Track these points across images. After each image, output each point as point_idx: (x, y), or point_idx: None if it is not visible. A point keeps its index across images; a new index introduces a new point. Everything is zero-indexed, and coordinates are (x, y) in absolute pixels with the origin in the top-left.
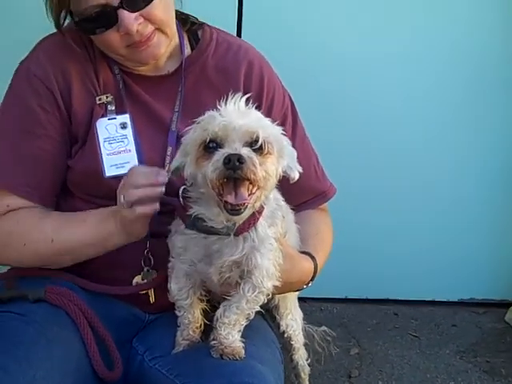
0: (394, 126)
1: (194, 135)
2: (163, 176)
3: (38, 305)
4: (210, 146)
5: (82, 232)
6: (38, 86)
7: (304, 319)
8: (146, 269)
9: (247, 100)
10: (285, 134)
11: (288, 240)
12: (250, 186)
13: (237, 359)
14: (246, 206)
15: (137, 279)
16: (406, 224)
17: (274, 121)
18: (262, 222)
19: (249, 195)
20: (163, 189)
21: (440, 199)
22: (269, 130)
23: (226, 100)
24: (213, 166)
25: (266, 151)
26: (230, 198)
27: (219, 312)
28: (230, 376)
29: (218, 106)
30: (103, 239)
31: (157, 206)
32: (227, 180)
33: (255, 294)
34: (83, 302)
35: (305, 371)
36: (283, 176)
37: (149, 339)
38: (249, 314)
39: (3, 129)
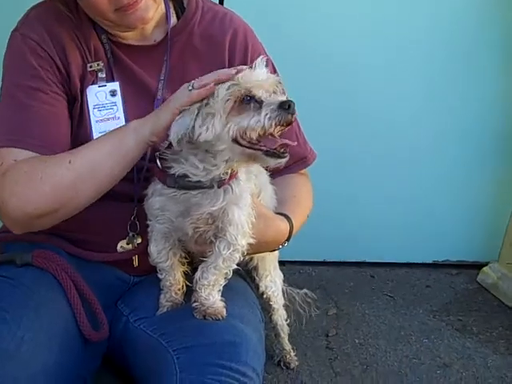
0: (380, 93)
1: (220, 95)
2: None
3: (26, 268)
4: (246, 100)
5: (98, 145)
6: (36, 48)
7: (283, 282)
8: (131, 234)
9: None
10: None
11: (262, 200)
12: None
13: (219, 319)
14: None
15: (121, 244)
16: (382, 189)
17: None
18: (242, 175)
19: None
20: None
21: (414, 163)
22: None
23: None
24: (269, 114)
25: None
26: (290, 142)
27: (198, 274)
28: (213, 335)
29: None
30: (120, 145)
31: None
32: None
33: (230, 251)
34: (70, 266)
35: (284, 331)
36: None
37: (133, 301)
38: (226, 273)
39: (9, 88)
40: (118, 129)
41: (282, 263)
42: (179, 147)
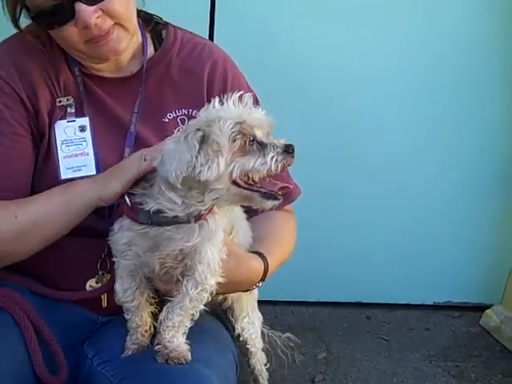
0: (378, 128)
1: (225, 132)
2: None
3: None
4: (251, 140)
5: (47, 201)
6: (2, 85)
7: (275, 323)
8: (100, 272)
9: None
10: None
11: (235, 237)
12: None
13: (182, 363)
14: None
15: (90, 282)
16: (381, 227)
17: None
18: (217, 211)
19: None
20: None
21: (415, 203)
22: None
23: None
24: (276, 157)
25: None
26: (289, 185)
27: (163, 315)
28: (174, 381)
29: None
30: (67, 204)
31: None
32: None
33: (198, 291)
34: (29, 305)
35: (263, 376)
36: None
37: (99, 343)
38: (193, 314)
39: None
40: (68, 186)
41: (273, 303)
42: (182, 186)
